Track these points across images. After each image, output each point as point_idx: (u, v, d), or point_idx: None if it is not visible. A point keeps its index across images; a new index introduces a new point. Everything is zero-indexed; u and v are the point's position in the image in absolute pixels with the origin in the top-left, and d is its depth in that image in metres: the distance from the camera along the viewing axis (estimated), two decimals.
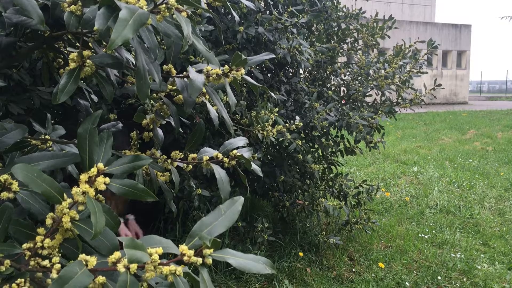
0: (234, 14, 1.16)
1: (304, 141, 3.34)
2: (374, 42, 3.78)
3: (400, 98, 3.74)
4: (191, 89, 0.84)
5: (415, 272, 3.43)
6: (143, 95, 0.74)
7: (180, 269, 0.61)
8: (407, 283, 3.23)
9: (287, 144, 2.96)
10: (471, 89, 36.33)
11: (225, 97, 2.22)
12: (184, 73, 0.94)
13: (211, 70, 0.93)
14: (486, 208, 5.14)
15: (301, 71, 3.69)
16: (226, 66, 0.93)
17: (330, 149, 3.55)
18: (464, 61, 25.71)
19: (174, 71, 0.98)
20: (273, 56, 1.05)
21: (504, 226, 4.49)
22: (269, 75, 3.37)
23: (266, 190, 3.65)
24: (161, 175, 1.16)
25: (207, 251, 0.62)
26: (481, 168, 7.27)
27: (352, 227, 3.77)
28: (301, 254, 3.46)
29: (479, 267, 3.48)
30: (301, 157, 3.24)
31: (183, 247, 0.63)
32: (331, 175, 3.77)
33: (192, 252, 0.63)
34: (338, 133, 3.56)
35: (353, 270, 3.43)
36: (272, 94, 1.18)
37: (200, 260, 0.62)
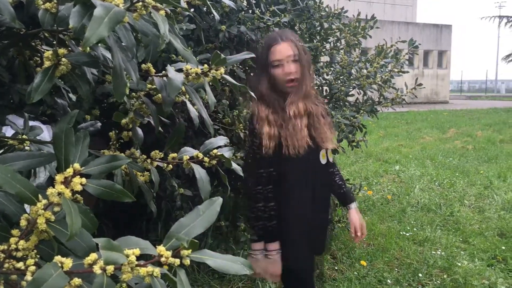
0: (214, 13, 1.16)
1: None
2: (356, 42, 3.80)
3: (382, 97, 3.77)
4: (170, 88, 0.83)
5: (396, 269, 3.47)
6: (119, 94, 0.73)
7: (157, 270, 0.61)
8: (388, 281, 3.26)
9: None
10: (451, 89, 36.91)
11: (206, 96, 2.21)
12: (163, 72, 0.94)
13: (191, 69, 0.93)
14: (466, 206, 5.23)
15: None
16: (206, 65, 0.93)
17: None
18: (445, 60, 26.10)
19: (153, 70, 0.97)
20: (253, 55, 1.05)
21: (483, 224, 4.56)
22: (252, 74, 3.37)
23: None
24: (140, 175, 1.15)
25: (185, 252, 0.62)
26: (461, 166, 7.39)
27: (334, 225, 3.79)
28: None
29: (459, 264, 3.53)
30: None
31: (161, 248, 0.63)
32: None
33: (169, 253, 0.62)
34: None
35: (336, 268, 3.45)
36: (252, 93, 1.18)
37: (177, 261, 0.62)
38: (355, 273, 3.38)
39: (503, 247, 3.89)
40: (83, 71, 0.81)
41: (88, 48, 0.87)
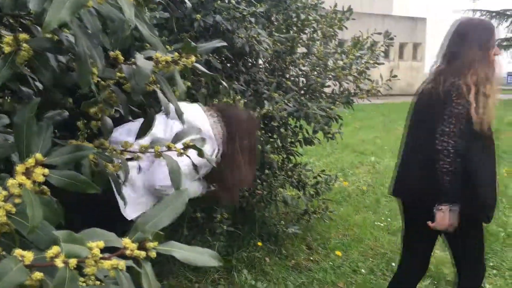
0: (187, 0, 1.14)
1: (263, 131, 3.34)
2: (333, 33, 3.81)
3: (358, 88, 3.78)
4: (138, 76, 0.81)
5: (371, 259, 3.52)
6: (84, 82, 0.71)
7: (122, 264, 0.59)
8: (363, 270, 3.31)
9: None
10: None
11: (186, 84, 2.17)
12: (132, 60, 0.91)
13: (161, 57, 0.90)
14: None
15: (260, 62, 3.67)
16: (176, 53, 0.90)
17: (289, 139, 3.56)
18: (419, 53, 26.44)
19: (122, 58, 0.94)
20: (225, 43, 1.03)
21: None
22: (228, 65, 3.34)
23: None
24: (110, 166, 1.12)
25: (151, 245, 0.60)
26: None
27: (310, 216, 3.82)
28: (260, 244, 3.48)
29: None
30: (260, 147, 3.24)
31: (126, 241, 0.61)
32: (290, 165, 3.79)
33: (135, 245, 0.60)
34: (297, 123, 3.58)
35: (311, 258, 3.48)
36: (223, 82, 1.16)
37: (143, 253, 0.60)
38: (330, 263, 3.41)
39: None
40: (45, 57, 0.78)
41: (53, 35, 0.84)
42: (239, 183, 2.14)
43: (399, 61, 25.13)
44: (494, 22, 22.94)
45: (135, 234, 0.63)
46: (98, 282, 0.79)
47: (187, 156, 1.14)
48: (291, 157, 3.87)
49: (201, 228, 3.40)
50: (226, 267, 3.18)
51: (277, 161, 3.46)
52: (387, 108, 16.03)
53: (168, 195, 2.03)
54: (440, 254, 3.60)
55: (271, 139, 3.50)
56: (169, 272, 3.11)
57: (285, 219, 4.01)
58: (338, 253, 3.55)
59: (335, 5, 3.93)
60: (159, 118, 1.65)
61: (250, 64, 3.48)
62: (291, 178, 3.77)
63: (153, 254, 0.60)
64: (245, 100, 3.14)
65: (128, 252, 0.60)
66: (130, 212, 1.97)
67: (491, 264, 3.48)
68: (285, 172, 3.76)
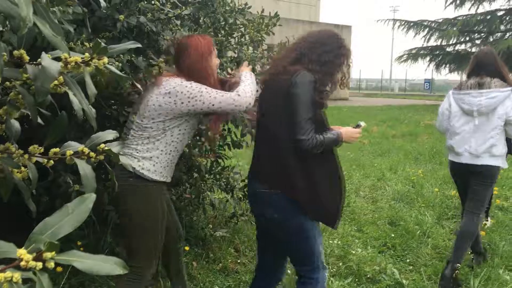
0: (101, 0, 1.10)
1: None
2: (260, 38, 3.86)
3: None
4: (43, 77, 0.77)
5: None
6: None
7: (17, 275, 0.56)
8: (288, 271, 3.37)
9: None
10: (351, 86, 38.95)
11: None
12: (39, 59, 0.86)
13: (70, 57, 0.86)
14: (361, 197, 5.57)
15: None
16: (87, 54, 0.87)
17: (217, 142, 3.55)
18: None
19: (27, 57, 0.89)
20: (139, 45, 1.01)
21: (376, 213, 4.89)
22: None
23: None
24: (17, 172, 1.06)
25: (48, 255, 0.57)
26: (358, 159, 7.86)
27: (238, 219, 3.83)
28: (187, 248, 3.43)
29: (354, 252, 3.75)
30: (188, 150, 3.21)
31: (21, 252, 0.57)
32: (218, 169, 3.78)
33: (30, 256, 0.57)
34: (225, 127, 3.58)
35: (239, 261, 3.49)
36: (139, 86, 1.13)
37: (40, 264, 0.57)
38: None
39: (393, 235, 4.20)
40: None
41: None
42: None
43: None
44: (411, 31, 24.45)
45: (32, 244, 0.60)
46: None
47: None
48: (220, 160, 3.86)
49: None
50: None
51: (205, 164, 3.44)
52: None
53: None
54: (361, 252, 3.76)
55: (199, 142, 3.48)
56: (91, 281, 2.99)
57: (213, 222, 4.00)
58: None
59: (262, 10, 3.99)
60: None
61: None
62: (219, 181, 3.77)
63: (51, 264, 0.57)
64: None
65: (22, 263, 0.56)
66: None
67: (408, 260, 3.69)
68: (214, 175, 3.75)
